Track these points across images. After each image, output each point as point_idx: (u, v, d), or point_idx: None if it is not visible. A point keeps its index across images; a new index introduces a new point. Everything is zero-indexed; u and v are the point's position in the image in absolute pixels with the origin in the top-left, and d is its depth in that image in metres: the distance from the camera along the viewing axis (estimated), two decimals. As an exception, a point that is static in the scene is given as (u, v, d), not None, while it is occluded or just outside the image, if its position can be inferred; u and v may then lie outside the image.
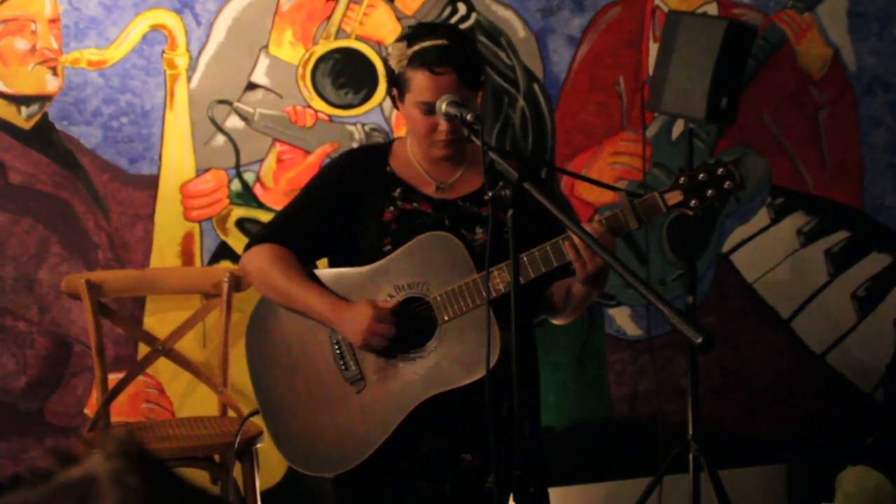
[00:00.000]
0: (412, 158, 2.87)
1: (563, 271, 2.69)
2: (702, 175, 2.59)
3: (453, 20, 4.05)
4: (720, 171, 2.59)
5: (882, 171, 4.46)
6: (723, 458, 4.07)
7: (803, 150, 4.40)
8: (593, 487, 4.30)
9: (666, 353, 4.31)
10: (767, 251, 4.41)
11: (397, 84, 2.77)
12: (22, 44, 3.81)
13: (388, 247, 2.79)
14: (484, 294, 2.66)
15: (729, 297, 4.39)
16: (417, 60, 2.70)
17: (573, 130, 4.22)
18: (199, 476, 3.89)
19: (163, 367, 3.93)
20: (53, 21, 3.81)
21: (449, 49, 2.72)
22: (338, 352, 2.83)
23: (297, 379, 2.87)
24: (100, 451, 1.15)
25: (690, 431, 3.81)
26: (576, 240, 2.52)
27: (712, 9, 4.25)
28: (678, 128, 4.24)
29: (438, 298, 2.72)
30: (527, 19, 4.14)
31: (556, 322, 2.91)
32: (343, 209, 2.84)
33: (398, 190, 2.84)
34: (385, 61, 2.86)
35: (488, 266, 2.57)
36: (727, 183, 2.59)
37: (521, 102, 4.15)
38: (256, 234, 2.96)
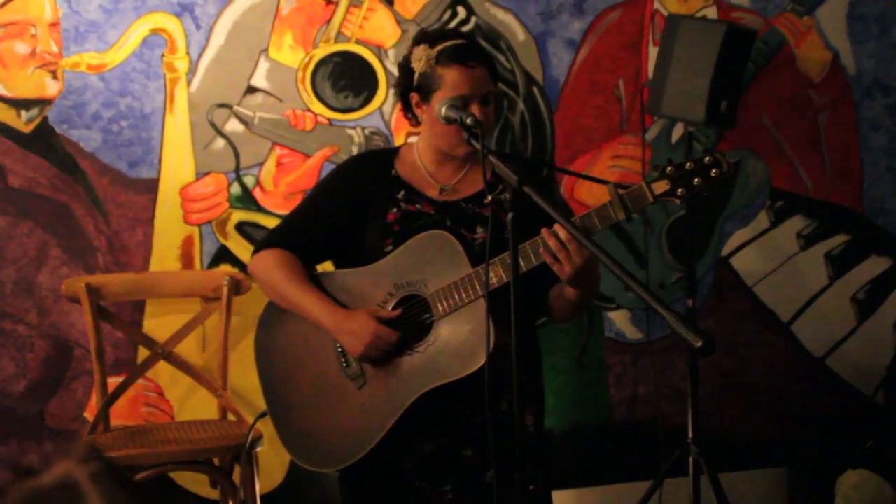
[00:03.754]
0: (418, 162, 2.93)
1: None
2: (689, 164, 2.59)
3: (453, 24, 4.06)
4: (707, 159, 2.59)
5: (882, 174, 4.46)
6: (723, 461, 4.10)
7: (803, 154, 4.39)
8: (593, 491, 4.29)
9: (666, 356, 4.31)
10: (767, 254, 4.41)
11: (422, 86, 2.81)
12: (22, 47, 3.80)
13: (390, 247, 2.84)
14: (479, 289, 2.70)
15: (728, 300, 4.39)
16: (448, 57, 2.77)
17: (573, 134, 4.22)
18: (198, 480, 3.89)
19: (162, 371, 3.93)
20: (53, 25, 3.81)
21: (476, 45, 2.86)
22: (339, 350, 2.88)
23: (302, 377, 2.93)
24: (68, 458, 1.19)
25: (690, 434, 3.81)
26: (551, 242, 2.55)
27: (712, 12, 4.25)
28: (678, 131, 4.24)
29: (435, 294, 2.77)
30: (526, 23, 4.14)
31: (559, 325, 2.91)
32: (347, 213, 2.90)
33: (402, 192, 2.90)
34: (403, 66, 2.87)
35: (488, 267, 2.60)
36: (714, 171, 2.58)
37: (521, 106, 4.16)
38: (263, 238, 3.02)
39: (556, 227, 2.55)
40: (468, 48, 2.81)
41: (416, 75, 2.81)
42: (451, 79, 2.76)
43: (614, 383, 4.32)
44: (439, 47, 2.79)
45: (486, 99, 2.79)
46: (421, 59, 2.79)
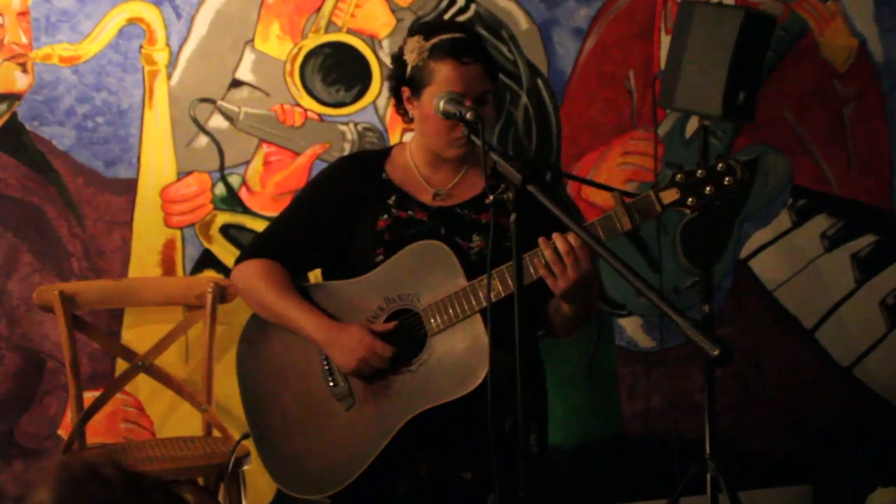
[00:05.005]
0: (411, 164, 2.90)
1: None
2: (700, 171, 2.57)
3: (451, 12, 4.05)
4: (720, 166, 2.56)
5: (911, 169, 4.51)
6: (743, 479, 4.06)
7: (827, 149, 4.36)
8: (604, 509, 4.27)
9: (680, 365, 4.28)
10: (789, 257, 4.38)
11: (413, 80, 2.78)
12: (-12, 39, 3.87)
13: (381, 257, 2.81)
14: (475, 304, 2.67)
15: (748, 305, 4.37)
16: (442, 51, 2.75)
17: (580, 129, 4.19)
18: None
19: (142, 385, 3.91)
20: (22, 14, 3.81)
21: (472, 40, 2.83)
22: (326, 368, 2.84)
23: (286, 396, 2.89)
24: (46, 482, 1.26)
25: (708, 449, 3.81)
26: (547, 253, 2.54)
27: (728, -2, 4.32)
28: (692, 125, 4.22)
29: (428, 309, 2.73)
30: (529, 10, 4.13)
31: (559, 339, 2.93)
32: (336, 220, 2.88)
33: (393, 197, 2.87)
34: (396, 58, 2.88)
35: (490, 276, 2.55)
36: (727, 179, 2.55)
37: (524, 99, 4.14)
38: (246, 247, 3.03)
39: (555, 236, 2.54)
40: (464, 43, 2.77)
41: (409, 68, 2.79)
42: (444, 74, 2.73)
43: (626, 395, 4.30)
44: (434, 40, 2.76)
45: (481, 98, 2.75)
46: (414, 52, 2.77)
